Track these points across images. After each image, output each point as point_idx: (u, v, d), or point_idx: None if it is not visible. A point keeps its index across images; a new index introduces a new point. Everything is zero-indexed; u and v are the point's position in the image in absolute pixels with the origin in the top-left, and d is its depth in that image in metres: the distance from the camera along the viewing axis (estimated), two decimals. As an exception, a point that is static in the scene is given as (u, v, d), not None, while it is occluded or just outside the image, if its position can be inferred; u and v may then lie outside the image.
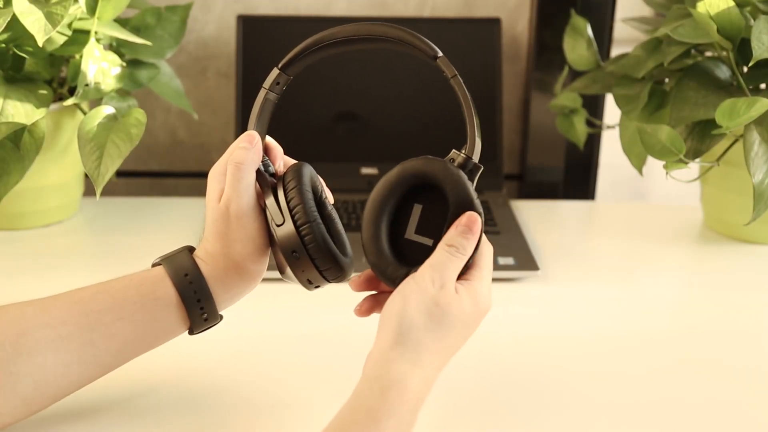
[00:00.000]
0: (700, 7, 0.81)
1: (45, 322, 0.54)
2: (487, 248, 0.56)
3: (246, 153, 0.57)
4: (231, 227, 0.57)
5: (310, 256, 0.55)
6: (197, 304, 0.57)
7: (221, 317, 0.60)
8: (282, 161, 0.61)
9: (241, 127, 1.04)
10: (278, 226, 0.56)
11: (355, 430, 0.47)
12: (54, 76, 0.91)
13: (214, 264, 0.58)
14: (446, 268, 0.52)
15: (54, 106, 0.89)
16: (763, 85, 0.89)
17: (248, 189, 0.56)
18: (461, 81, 0.55)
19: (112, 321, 0.55)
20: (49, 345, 0.53)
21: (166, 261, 0.58)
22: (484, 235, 0.54)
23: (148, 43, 0.93)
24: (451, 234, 0.53)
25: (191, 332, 0.59)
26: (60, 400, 0.57)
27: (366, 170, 1.06)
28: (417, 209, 0.55)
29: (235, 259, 0.57)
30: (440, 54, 0.56)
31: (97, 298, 0.56)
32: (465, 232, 0.53)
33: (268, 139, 0.61)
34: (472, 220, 0.53)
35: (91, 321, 0.55)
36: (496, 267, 0.87)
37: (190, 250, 0.60)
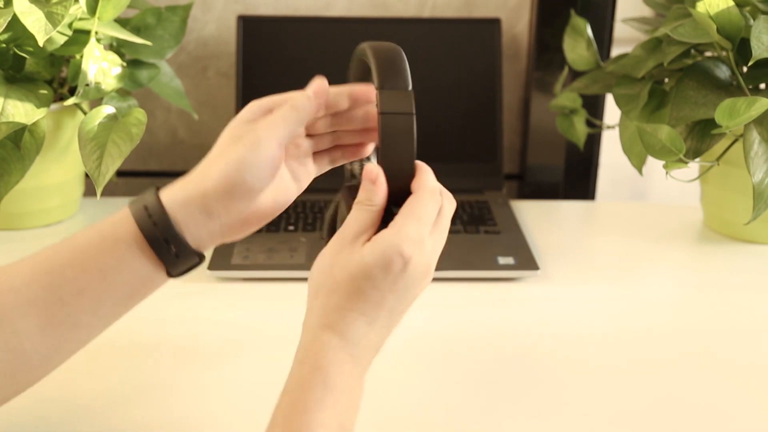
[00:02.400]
0: (700, 7, 0.81)
1: (7, 286, 0.50)
2: (415, 198, 0.51)
3: (309, 102, 0.53)
4: (241, 169, 0.52)
5: None
6: (160, 237, 0.51)
7: (201, 256, 0.53)
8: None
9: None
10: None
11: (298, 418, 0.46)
12: (54, 76, 0.91)
13: (186, 192, 0.53)
14: (348, 225, 0.50)
15: (54, 106, 0.89)
16: (762, 85, 0.89)
17: (286, 136, 0.53)
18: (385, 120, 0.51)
19: (77, 274, 0.51)
20: (16, 310, 0.50)
21: (132, 200, 0.53)
22: (424, 189, 0.51)
23: (149, 43, 0.93)
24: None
25: (170, 274, 0.53)
26: (51, 372, 0.53)
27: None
28: None
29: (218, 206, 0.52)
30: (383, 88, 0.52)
31: (60, 253, 0.51)
32: (367, 186, 0.50)
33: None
34: (369, 170, 0.50)
35: (56, 278, 0.50)
36: (497, 267, 0.87)
37: (159, 188, 0.54)
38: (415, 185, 0.51)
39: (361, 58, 0.56)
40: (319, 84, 0.54)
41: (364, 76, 0.57)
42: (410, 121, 0.50)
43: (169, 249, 0.52)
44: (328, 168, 0.60)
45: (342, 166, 0.62)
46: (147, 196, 0.52)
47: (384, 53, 0.52)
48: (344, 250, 0.50)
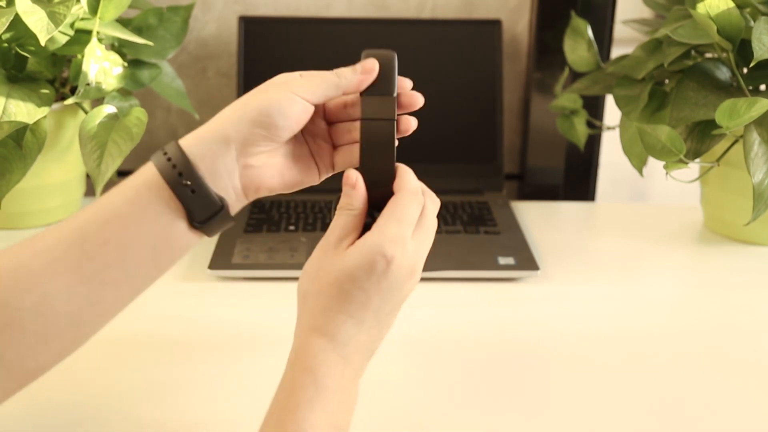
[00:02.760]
0: (700, 8, 0.81)
1: (36, 249, 0.50)
2: (397, 199, 0.51)
3: (353, 75, 0.54)
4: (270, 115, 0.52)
5: None
6: (174, 171, 0.50)
7: (222, 201, 0.52)
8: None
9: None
10: None
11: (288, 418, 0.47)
12: (56, 76, 0.91)
13: (206, 127, 0.52)
14: (330, 231, 0.52)
15: (56, 106, 0.89)
16: (763, 86, 0.89)
17: (320, 94, 0.53)
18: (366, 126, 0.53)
19: (100, 225, 0.50)
20: (45, 271, 0.49)
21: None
22: (405, 190, 0.52)
23: (150, 43, 0.93)
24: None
25: (192, 221, 0.52)
26: (81, 343, 0.52)
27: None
28: None
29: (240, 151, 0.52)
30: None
31: (85, 210, 0.51)
32: (347, 191, 0.52)
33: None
34: (347, 175, 0.52)
35: (81, 233, 0.50)
36: (497, 267, 0.87)
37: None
38: (396, 187, 0.52)
39: None
40: (370, 62, 0.54)
41: None
42: (390, 127, 0.52)
43: (184, 184, 0.50)
44: (345, 167, 0.59)
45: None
46: (169, 144, 0.52)
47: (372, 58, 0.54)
48: (327, 255, 0.51)
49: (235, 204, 0.54)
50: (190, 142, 0.52)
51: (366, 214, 0.52)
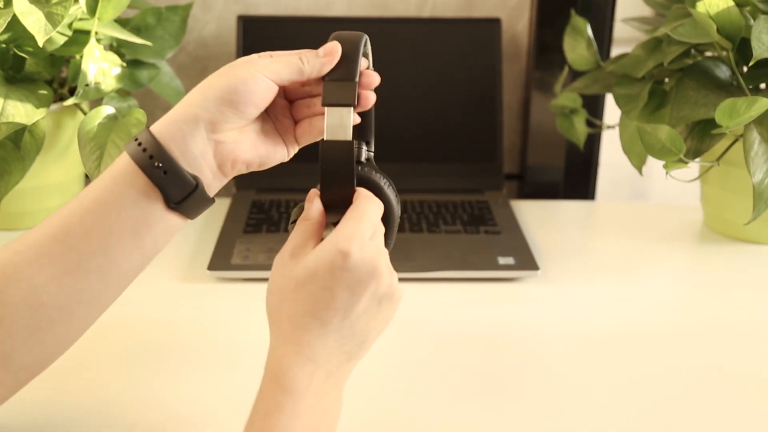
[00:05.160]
0: (700, 7, 0.81)
1: (22, 246, 0.52)
2: (354, 205, 0.53)
3: (316, 59, 0.55)
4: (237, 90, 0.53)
5: None
6: (146, 155, 0.51)
7: (196, 180, 0.53)
8: None
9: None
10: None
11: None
12: (54, 77, 0.91)
13: (175, 110, 0.53)
14: (287, 243, 0.53)
15: (54, 107, 0.89)
16: (763, 85, 0.89)
17: (284, 75, 0.54)
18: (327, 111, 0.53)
19: (82, 216, 0.52)
20: (31, 265, 0.51)
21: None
22: (362, 197, 0.53)
23: (149, 43, 0.93)
24: None
25: (168, 201, 0.53)
26: (73, 336, 0.53)
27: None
28: None
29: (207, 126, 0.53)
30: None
31: (68, 205, 0.53)
32: (305, 205, 0.54)
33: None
34: (309, 194, 0.54)
35: (63, 226, 0.52)
36: (497, 267, 0.87)
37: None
38: (356, 195, 0.53)
39: None
40: (331, 46, 0.55)
41: None
42: (348, 147, 0.52)
43: (156, 166, 0.52)
44: (307, 141, 0.61)
45: None
46: (141, 131, 0.54)
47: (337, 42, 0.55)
48: (286, 265, 0.52)
49: (213, 183, 0.55)
50: (159, 126, 0.53)
51: (324, 225, 0.54)
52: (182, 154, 0.52)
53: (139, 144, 0.52)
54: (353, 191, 0.53)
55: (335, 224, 0.52)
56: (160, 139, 0.52)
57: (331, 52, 0.55)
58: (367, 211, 0.52)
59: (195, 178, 0.53)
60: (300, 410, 0.48)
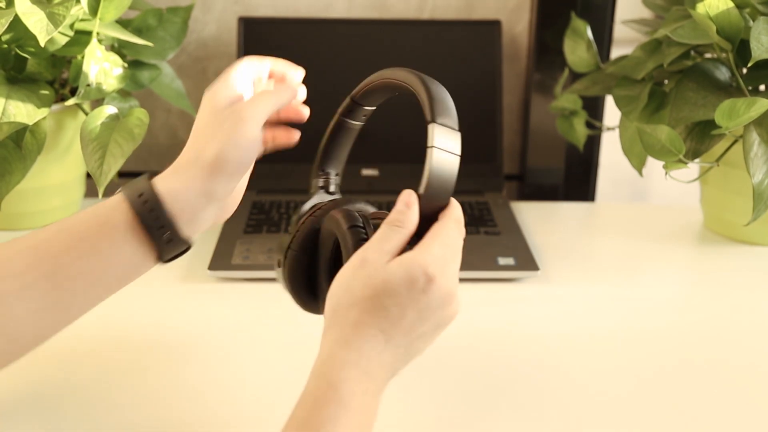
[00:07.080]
0: (700, 9, 0.81)
1: (7, 272, 0.52)
2: (443, 225, 0.51)
3: (287, 93, 0.60)
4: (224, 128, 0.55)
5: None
6: (156, 223, 0.54)
7: (189, 243, 0.56)
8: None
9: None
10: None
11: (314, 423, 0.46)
12: (56, 77, 0.91)
13: (181, 180, 0.56)
14: (374, 242, 0.50)
15: (56, 107, 0.89)
16: (762, 86, 0.89)
17: (267, 116, 0.57)
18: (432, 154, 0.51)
19: (73, 260, 0.53)
20: (16, 295, 0.52)
21: (124, 186, 0.56)
22: (451, 218, 0.51)
23: (150, 44, 0.94)
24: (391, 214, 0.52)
25: (161, 259, 0.56)
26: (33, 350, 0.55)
27: (367, 171, 1.06)
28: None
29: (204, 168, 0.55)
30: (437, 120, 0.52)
31: (57, 238, 0.54)
32: (401, 208, 0.51)
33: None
34: (407, 194, 0.51)
35: (53, 265, 0.53)
36: (497, 267, 0.87)
37: (152, 175, 0.57)
38: (442, 214, 0.51)
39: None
40: (298, 76, 0.62)
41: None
42: (456, 161, 0.51)
43: (162, 234, 0.54)
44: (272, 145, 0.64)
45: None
46: (140, 183, 0.55)
47: (435, 89, 0.53)
48: (367, 267, 0.49)
49: (204, 230, 0.59)
50: (171, 191, 0.55)
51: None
52: (187, 223, 0.56)
53: (145, 203, 0.54)
54: (447, 206, 0.51)
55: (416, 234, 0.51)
56: (171, 210, 0.54)
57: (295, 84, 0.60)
58: (455, 234, 0.51)
59: (189, 239, 0.56)
60: (350, 426, 0.46)
